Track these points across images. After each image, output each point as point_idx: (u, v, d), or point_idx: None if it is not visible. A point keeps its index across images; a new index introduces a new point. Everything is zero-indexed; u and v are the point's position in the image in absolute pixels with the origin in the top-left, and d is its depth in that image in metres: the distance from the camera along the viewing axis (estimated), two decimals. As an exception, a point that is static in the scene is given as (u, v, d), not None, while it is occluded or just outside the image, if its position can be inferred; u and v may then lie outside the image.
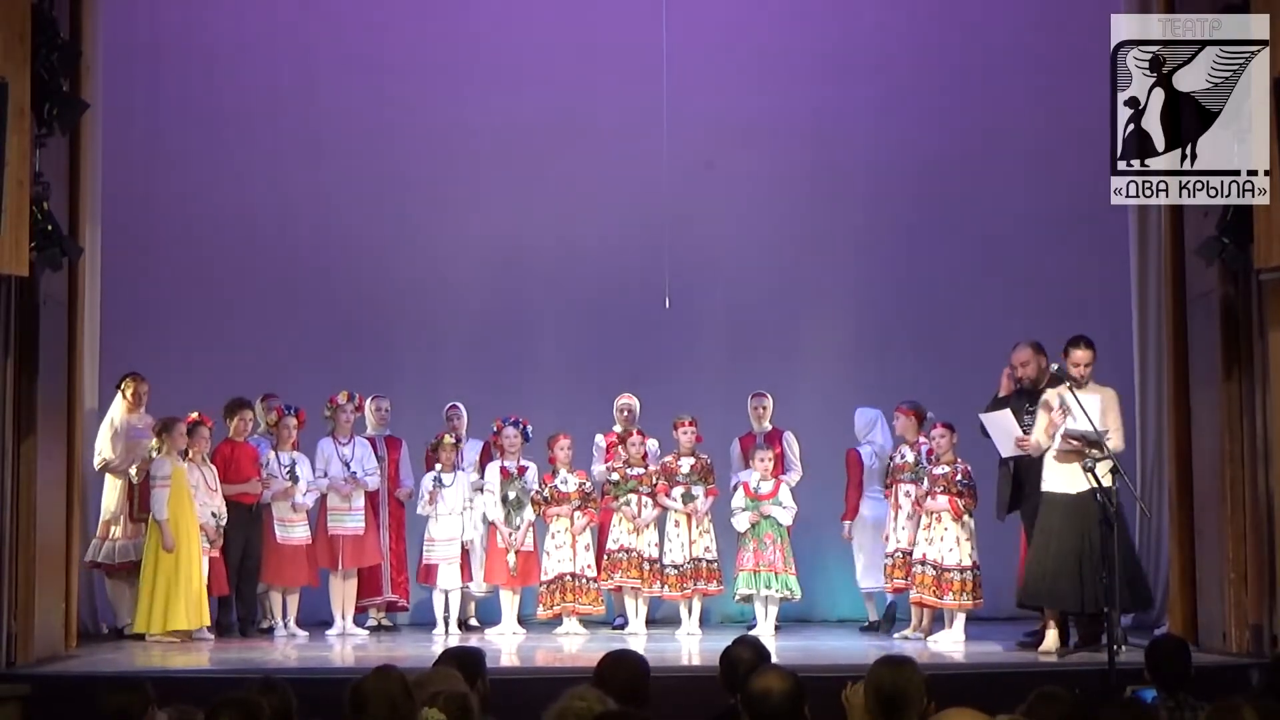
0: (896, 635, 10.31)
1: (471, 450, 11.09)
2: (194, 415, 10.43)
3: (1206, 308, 9.07)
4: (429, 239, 12.29)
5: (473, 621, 11.14)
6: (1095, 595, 8.81)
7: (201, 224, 12.01)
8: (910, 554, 10.07)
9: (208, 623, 10.18)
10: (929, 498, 9.95)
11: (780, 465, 10.89)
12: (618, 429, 11.02)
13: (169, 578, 9.96)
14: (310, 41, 12.29)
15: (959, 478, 9.88)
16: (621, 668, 5.11)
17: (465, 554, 10.84)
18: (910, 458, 10.29)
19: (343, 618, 10.74)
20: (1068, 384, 8.99)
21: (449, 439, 10.89)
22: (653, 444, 10.97)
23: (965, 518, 9.87)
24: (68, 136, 9.22)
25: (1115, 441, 8.94)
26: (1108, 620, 8.22)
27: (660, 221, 11.74)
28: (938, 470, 9.96)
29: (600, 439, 11.10)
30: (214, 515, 10.32)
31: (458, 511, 10.78)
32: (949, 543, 9.84)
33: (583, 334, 12.22)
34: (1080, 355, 9.06)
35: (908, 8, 12.34)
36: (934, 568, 9.87)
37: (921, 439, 10.34)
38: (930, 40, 12.28)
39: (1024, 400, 9.49)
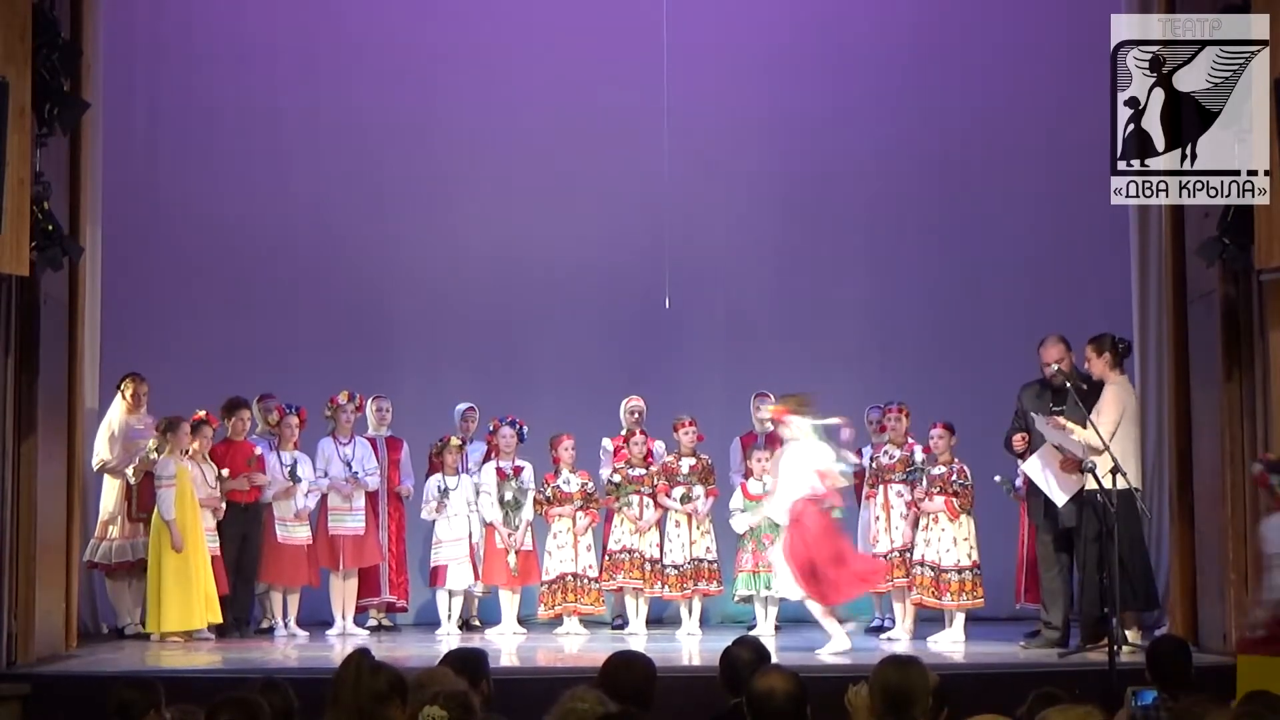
0: (882, 636, 10.31)
1: (476, 452, 11.09)
2: (200, 414, 10.42)
3: (1207, 308, 9.07)
4: (430, 239, 12.29)
5: (475, 621, 11.14)
6: (1090, 596, 9.03)
7: (202, 223, 12.01)
8: (904, 552, 10.08)
9: (219, 619, 10.17)
10: (926, 498, 9.96)
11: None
12: (624, 432, 11.00)
13: (177, 577, 9.96)
14: (310, 42, 12.31)
15: (955, 478, 9.89)
16: (628, 670, 5.10)
17: (473, 553, 10.83)
18: (898, 457, 10.28)
19: (343, 618, 10.74)
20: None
21: (455, 441, 10.90)
22: (658, 445, 10.97)
23: (962, 517, 9.87)
24: (68, 136, 9.21)
25: (1087, 434, 8.96)
26: (1108, 621, 8.25)
27: (660, 222, 11.75)
28: (935, 471, 9.96)
29: (607, 442, 11.03)
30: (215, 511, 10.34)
31: (464, 513, 10.79)
32: (945, 543, 9.85)
33: (583, 334, 12.22)
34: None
35: (909, 7, 12.35)
36: (932, 569, 9.88)
37: (910, 439, 10.35)
38: (931, 40, 12.30)
39: (1048, 399, 9.49)
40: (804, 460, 9.54)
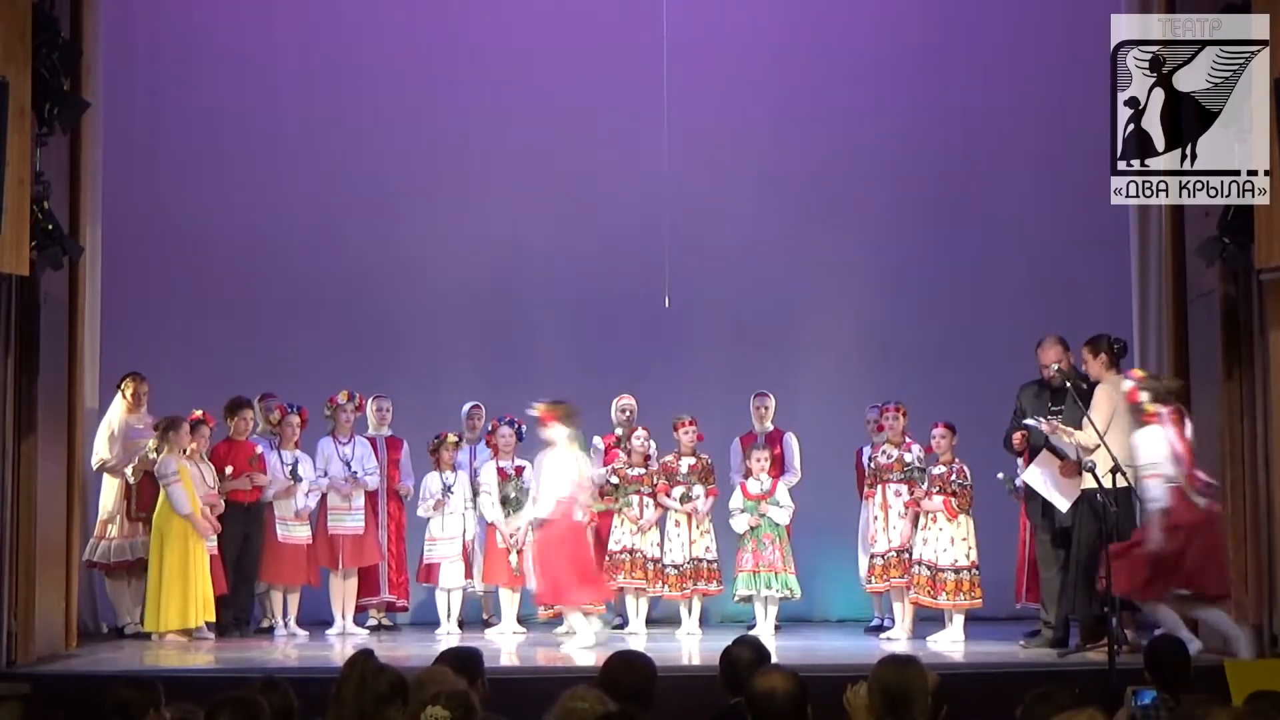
0: (882, 636, 10.31)
1: (482, 450, 11.09)
2: (198, 413, 10.43)
3: (1207, 308, 9.07)
4: (429, 239, 12.29)
5: (492, 620, 11.10)
6: (1081, 596, 9.11)
7: (202, 223, 12.01)
8: (902, 552, 10.08)
9: (213, 618, 10.17)
10: (926, 498, 9.96)
11: (779, 466, 10.89)
12: (618, 430, 11.01)
13: (178, 575, 9.97)
14: (310, 42, 12.31)
15: (954, 477, 9.88)
16: (629, 669, 5.10)
17: (467, 552, 10.84)
18: (896, 456, 10.27)
19: (343, 617, 10.75)
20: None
21: (452, 438, 10.90)
22: (650, 444, 10.96)
23: (961, 517, 9.87)
24: (68, 136, 9.22)
25: (1084, 436, 8.96)
26: (1108, 621, 8.25)
27: (660, 221, 11.75)
28: (935, 470, 9.96)
29: (599, 441, 11.06)
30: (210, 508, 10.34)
31: (459, 511, 10.80)
32: (943, 542, 9.85)
33: (583, 334, 12.23)
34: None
35: (909, 7, 12.35)
36: (929, 568, 9.88)
37: (907, 438, 10.35)
38: (931, 42, 12.31)
39: (1046, 399, 9.48)
40: (564, 465, 9.86)
